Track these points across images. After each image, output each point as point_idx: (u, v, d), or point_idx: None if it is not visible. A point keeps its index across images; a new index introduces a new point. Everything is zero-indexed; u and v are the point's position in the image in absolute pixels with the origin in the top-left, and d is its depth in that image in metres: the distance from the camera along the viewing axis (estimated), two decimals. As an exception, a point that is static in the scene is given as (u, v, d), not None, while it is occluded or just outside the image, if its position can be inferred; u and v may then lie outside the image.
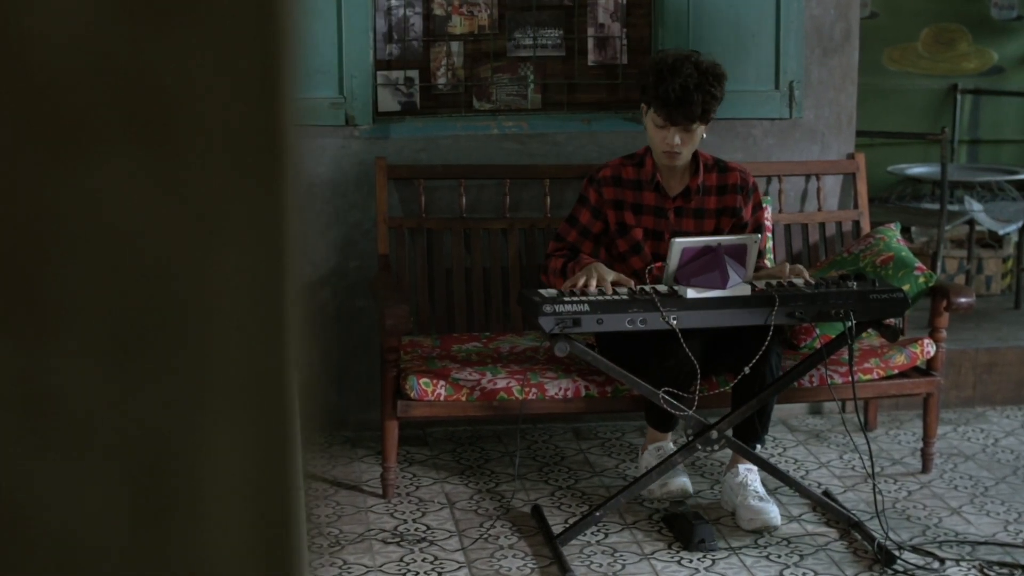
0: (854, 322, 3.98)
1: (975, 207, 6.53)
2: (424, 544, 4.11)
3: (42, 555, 0.73)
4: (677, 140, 4.18)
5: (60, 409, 0.71)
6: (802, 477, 4.66)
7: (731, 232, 4.36)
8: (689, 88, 4.11)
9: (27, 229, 0.70)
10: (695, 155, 4.34)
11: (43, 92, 0.69)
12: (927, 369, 4.65)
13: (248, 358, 0.75)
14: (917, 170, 6.87)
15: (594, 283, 4.02)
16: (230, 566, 0.77)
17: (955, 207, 6.50)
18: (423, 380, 4.30)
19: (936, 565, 3.98)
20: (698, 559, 4.01)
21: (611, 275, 4.06)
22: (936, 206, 6.51)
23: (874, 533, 4.09)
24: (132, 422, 0.72)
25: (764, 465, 4.22)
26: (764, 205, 4.88)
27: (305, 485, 0.82)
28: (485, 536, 4.17)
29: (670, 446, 4.43)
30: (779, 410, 5.09)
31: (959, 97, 7.56)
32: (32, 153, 0.70)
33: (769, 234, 4.90)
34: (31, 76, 0.69)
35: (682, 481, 4.28)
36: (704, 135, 4.27)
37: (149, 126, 0.71)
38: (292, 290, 0.76)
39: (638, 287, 4.03)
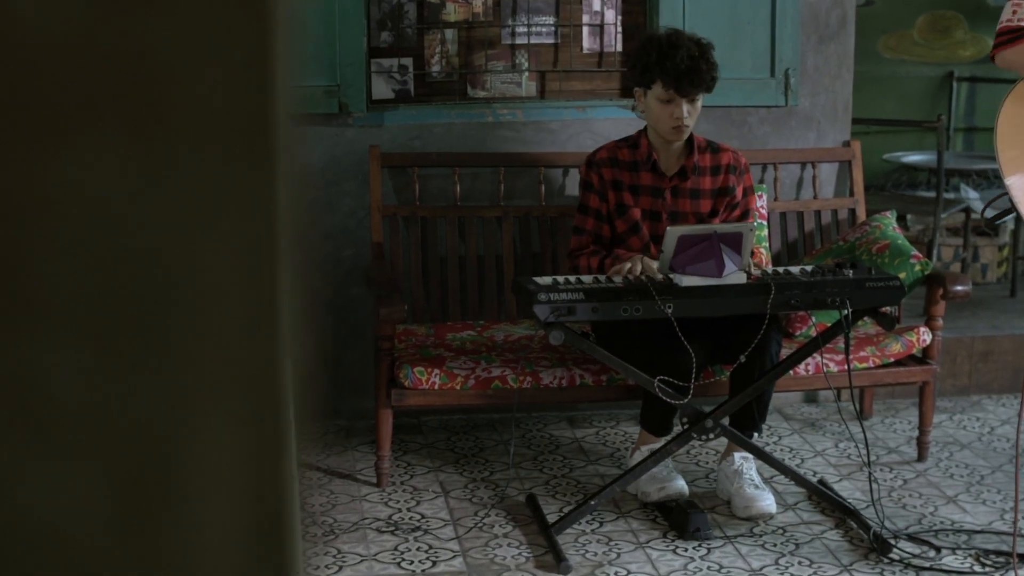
0: (850, 310, 3.96)
1: (971, 195, 6.51)
2: (418, 533, 4.10)
3: (30, 551, 0.71)
4: (685, 112, 4.21)
5: (44, 402, 0.69)
6: (797, 466, 4.65)
7: (726, 211, 4.37)
8: (695, 57, 4.18)
9: (9, 217, 0.68)
10: (689, 136, 4.35)
11: (28, 75, 0.67)
12: (923, 357, 4.64)
13: (239, 349, 0.72)
14: (913, 158, 6.86)
15: (639, 268, 4.05)
16: (222, 561, 0.75)
17: (951, 195, 6.48)
18: (417, 369, 4.28)
19: (932, 554, 3.97)
20: (693, 548, 4.00)
21: (656, 263, 4.09)
22: (932, 194, 6.50)
23: (870, 522, 4.07)
24: (119, 416, 0.70)
25: (759, 453, 4.20)
26: (759, 193, 4.86)
27: (300, 475, 0.79)
28: (479, 525, 4.16)
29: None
30: (774, 398, 5.08)
31: (955, 85, 7.54)
32: (15, 139, 0.67)
33: (763, 221, 4.88)
34: (15, 59, 0.67)
35: (679, 485, 4.24)
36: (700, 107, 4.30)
37: (137, 112, 0.68)
38: (286, 279, 0.73)
39: (632, 276, 4.02)
